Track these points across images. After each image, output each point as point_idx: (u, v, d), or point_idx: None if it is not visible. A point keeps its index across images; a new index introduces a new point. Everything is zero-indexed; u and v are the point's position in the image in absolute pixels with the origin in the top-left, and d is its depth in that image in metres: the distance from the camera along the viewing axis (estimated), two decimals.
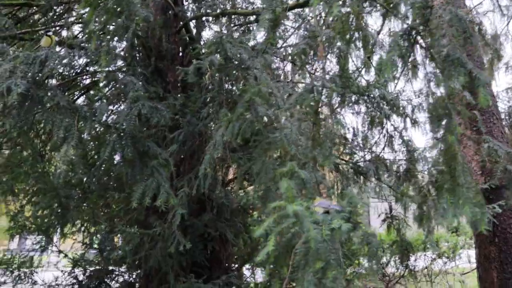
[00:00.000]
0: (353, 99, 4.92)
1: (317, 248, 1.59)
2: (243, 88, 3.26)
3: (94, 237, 4.96)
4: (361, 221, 2.05)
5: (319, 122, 2.63)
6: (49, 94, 2.89)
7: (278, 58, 5.37)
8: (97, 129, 3.72)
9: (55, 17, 5.75)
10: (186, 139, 4.11)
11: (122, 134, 3.16)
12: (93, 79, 5.49)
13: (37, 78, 2.85)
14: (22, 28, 5.27)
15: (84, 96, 5.89)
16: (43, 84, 2.90)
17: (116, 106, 4.87)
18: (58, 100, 2.88)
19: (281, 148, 2.84)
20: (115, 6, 2.80)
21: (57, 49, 4.07)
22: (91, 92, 5.45)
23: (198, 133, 4.14)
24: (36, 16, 5.87)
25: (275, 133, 2.97)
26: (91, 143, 4.11)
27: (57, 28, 5.66)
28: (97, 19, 2.86)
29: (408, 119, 4.93)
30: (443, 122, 2.50)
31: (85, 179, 4.09)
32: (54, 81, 4.87)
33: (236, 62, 3.41)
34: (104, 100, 4.61)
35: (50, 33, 3.47)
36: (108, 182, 4.23)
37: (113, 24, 2.98)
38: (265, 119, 3.34)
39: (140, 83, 3.47)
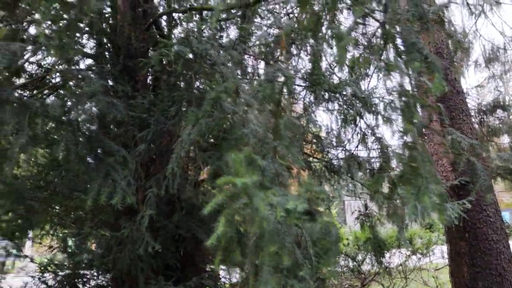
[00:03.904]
0: (326, 96, 4.92)
1: (270, 230, 1.52)
2: (208, 85, 3.20)
3: (62, 241, 4.80)
4: (321, 209, 2.00)
5: (280, 113, 2.57)
6: None
7: (251, 56, 5.32)
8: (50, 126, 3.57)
9: None
10: (154, 139, 4.02)
11: (76, 130, 3.05)
12: (64, 78, 5.33)
13: None
14: None
15: (54, 95, 5.72)
16: None
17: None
18: (7, 96, 2.74)
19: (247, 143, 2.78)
20: None
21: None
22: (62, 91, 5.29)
23: (167, 132, 4.05)
24: None
25: (242, 129, 2.92)
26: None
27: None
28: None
29: (380, 117, 4.95)
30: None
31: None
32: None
33: (203, 59, 3.35)
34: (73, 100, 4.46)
35: None
36: (75, 183, 4.10)
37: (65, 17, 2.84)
38: (235, 116, 3.28)
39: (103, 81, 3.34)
